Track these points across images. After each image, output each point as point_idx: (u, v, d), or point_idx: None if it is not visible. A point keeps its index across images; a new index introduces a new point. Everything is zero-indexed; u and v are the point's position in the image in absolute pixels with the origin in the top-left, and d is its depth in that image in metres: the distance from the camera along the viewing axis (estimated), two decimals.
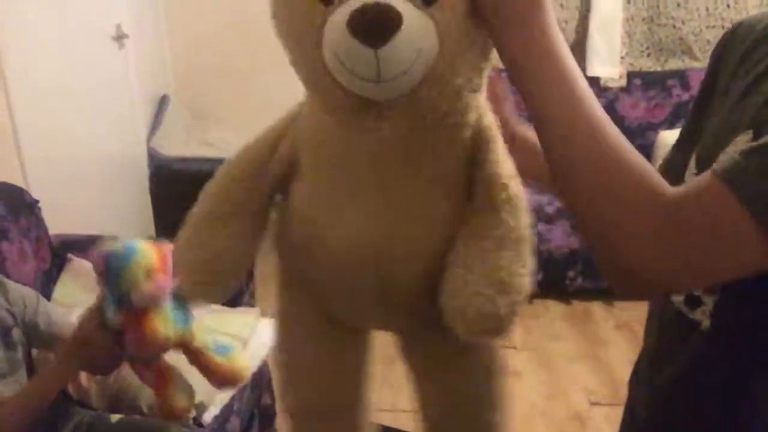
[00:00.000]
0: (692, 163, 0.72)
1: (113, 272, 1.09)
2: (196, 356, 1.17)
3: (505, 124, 0.86)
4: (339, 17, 0.67)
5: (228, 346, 1.22)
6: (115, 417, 1.42)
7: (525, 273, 0.79)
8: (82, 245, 1.85)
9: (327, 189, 0.87)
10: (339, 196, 0.85)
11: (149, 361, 1.19)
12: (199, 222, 0.93)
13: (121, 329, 1.11)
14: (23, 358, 1.32)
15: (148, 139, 3.09)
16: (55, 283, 1.76)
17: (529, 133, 0.88)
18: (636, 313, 2.81)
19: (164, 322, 1.10)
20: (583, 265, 2.80)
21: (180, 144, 3.26)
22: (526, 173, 0.86)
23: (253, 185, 0.93)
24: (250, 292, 1.92)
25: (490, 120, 0.84)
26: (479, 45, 0.73)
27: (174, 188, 3.06)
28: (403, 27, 0.65)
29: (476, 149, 0.82)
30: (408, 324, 0.96)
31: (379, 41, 0.65)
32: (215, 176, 0.96)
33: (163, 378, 1.21)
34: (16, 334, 1.30)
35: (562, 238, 2.78)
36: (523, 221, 0.81)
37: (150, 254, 1.10)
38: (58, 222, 1.88)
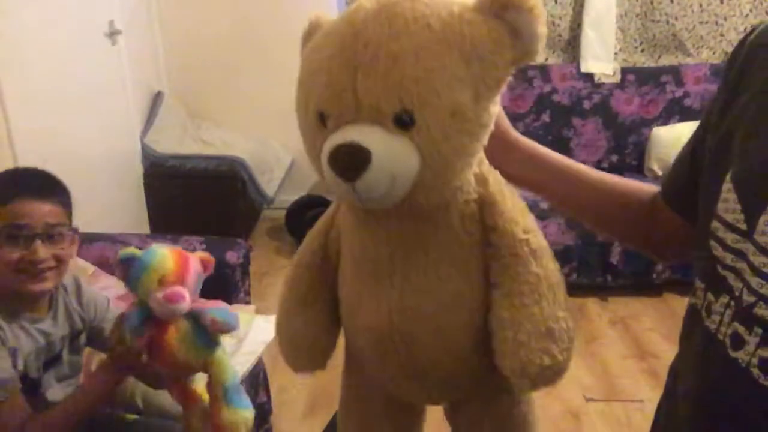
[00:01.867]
0: (727, 186, 0.66)
1: (132, 278, 1.08)
2: (210, 389, 1.14)
3: (502, 134, 0.87)
4: (326, 149, 0.75)
5: (242, 398, 1.16)
6: (130, 417, 1.42)
7: (567, 315, 0.84)
8: None
9: (354, 272, 0.93)
10: (363, 280, 0.91)
11: (176, 379, 1.17)
12: (285, 305, 1.01)
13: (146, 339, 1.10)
14: (83, 364, 1.34)
15: (142, 136, 3.09)
16: None
17: (523, 141, 0.90)
18: (630, 309, 2.83)
19: (183, 339, 1.08)
20: (577, 261, 2.81)
21: (174, 141, 3.25)
22: (522, 181, 0.90)
23: (319, 271, 0.99)
24: (246, 290, 1.92)
25: (494, 179, 0.87)
26: (467, 147, 0.77)
27: (168, 185, 3.07)
28: (372, 162, 0.72)
29: (486, 215, 0.86)
30: (448, 394, 1.00)
31: (352, 176, 0.73)
32: (292, 262, 1.03)
33: (187, 401, 1.18)
34: (83, 339, 1.31)
35: (556, 234, 2.79)
36: (551, 267, 0.85)
37: (167, 261, 1.07)
38: None
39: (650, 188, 0.88)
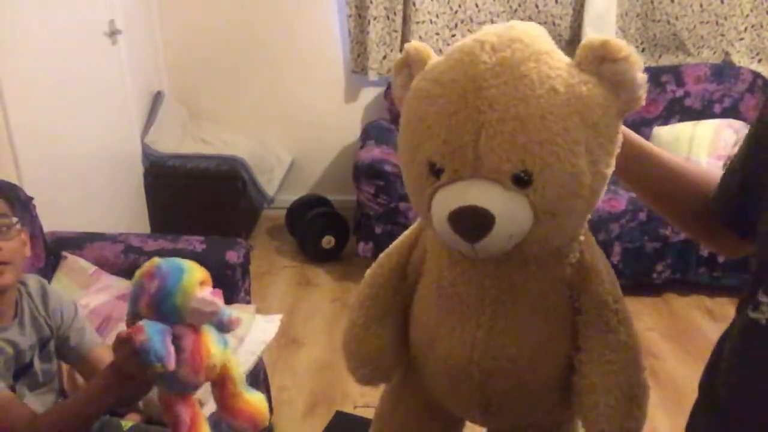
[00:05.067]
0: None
1: (170, 287, 1.00)
2: (226, 388, 1.10)
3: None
4: (443, 208, 0.77)
5: (253, 389, 1.15)
6: (127, 424, 1.40)
7: (645, 377, 0.90)
8: (76, 243, 1.85)
9: (436, 301, 0.96)
10: (448, 310, 0.94)
11: (190, 391, 1.08)
12: (360, 323, 1.03)
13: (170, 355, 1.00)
14: (56, 370, 1.30)
15: (143, 136, 3.09)
16: (49, 280, 1.75)
17: (638, 141, 0.87)
18: (630, 309, 2.82)
19: (215, 342, 1.06)
20: None
21: (174, 141, 3.26)
22: (623, 175, 0.87)
23: (395, 289, 1.02)
24: (246, 289, 1.92)
25: (593, 248, 0.92)
26: (579, 210, 0.79)
27: (168, 185, 3.07)
28: (495, 225, 0.74)
29: (580, 280, 0.90)
30: (508, 424, 1.05)
31: (475, 239, 0.76)
32: (365, 281, 1.05)
33: (194, 414, 1.10)
34: (53, 346, 1.27)
35: None
36: (634, 333, 0.91)
37: (197, 268, 1.05)
38: (53, 219, 1.87)
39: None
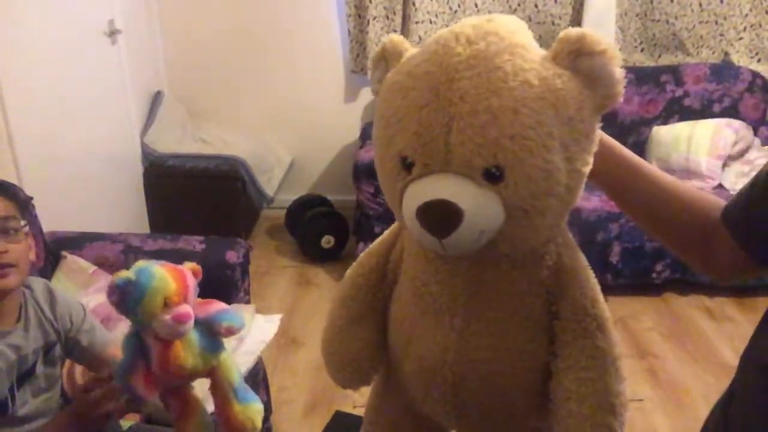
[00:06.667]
0: None
1: (130, 303, 1.01)
2: (217, 390, 1.11)
3: None
4: (412, 202, 0.75)
5: (250, 394, 1.14)
6: (126, 423, 1.39)
7: (624, 387, 0.86)
8: (76, 242, 1.85)
9: (412, 300, 0.94)
10: (422, 310, 0.92)
11: (176, 389, 1.12)
12: (340, 324, 1.02)
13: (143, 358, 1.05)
14: (60, 373, 1.30)
15: (142, 136, 3.09)
16: (49, 280, 1.75)
17: (614, 145, 0.85)
18: (630, 308, 2.82)
19: (190, 351, 1.04)
20: None
21: (174, 140, 3.25)
22: (593, 174, 0.83)
23: (376, 289, 1.00)
24: (246, 289, 1.92)
25: (571, 255, 0.88)
26: (553, 209, 0.76)
27: (168, 185, 3.07)
28: (464, 220, 0.72)
29: (556, 284, 0.87)
30: (483, 430, 1.01)
31: (442, 234, 0.73)
32: (345, 281, 1.03)
33: (185, 408, 1.14)
34: (58, 350, 1.26)
35: None
36: (614, 341, 0.87)
37: (167, 281, 1.02)
38: (52, 219, 1.87)
39: (718, 204, 0.83)
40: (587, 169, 0.77)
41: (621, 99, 0.75)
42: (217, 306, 1.11)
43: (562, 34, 0.73)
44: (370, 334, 1.00)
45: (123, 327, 1.55)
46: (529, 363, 0.89)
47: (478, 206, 0.72)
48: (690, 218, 0.83)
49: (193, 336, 1.05)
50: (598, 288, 0.88)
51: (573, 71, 0.73)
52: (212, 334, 1.08)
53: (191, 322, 1.03)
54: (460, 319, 0.88)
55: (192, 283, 1.08)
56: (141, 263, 1.05)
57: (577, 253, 0.89)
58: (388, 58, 0.83)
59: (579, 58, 0.72)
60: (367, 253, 1.01)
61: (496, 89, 0.70)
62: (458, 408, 0.93)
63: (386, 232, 1.01)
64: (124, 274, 1.02)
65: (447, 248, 0.75)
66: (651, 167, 0.86)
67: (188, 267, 1.10)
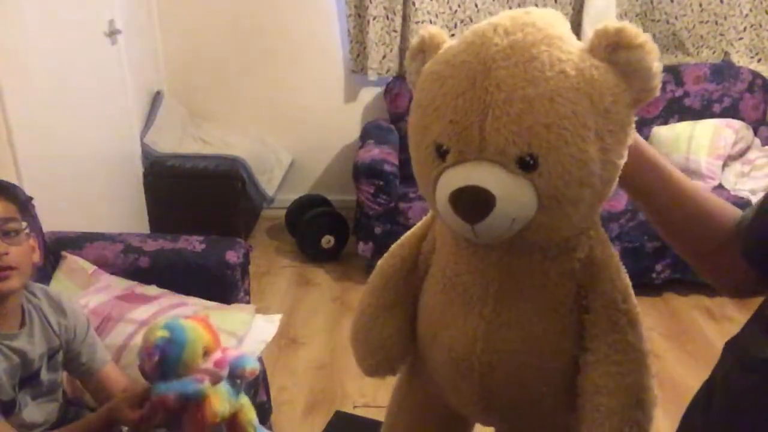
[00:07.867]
0: None
1: (172, 360, 1.04)
2: (237, 430, 1.13)
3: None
4: (445, 189, 0.76)
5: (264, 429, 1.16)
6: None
7: (654, 383, 0.87)
8: (76, 242, 1.85)
9: (442, 290, 0.94)
10: (451, 300, 0.93)
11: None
12: (370, 312, 1.03)
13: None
14: (61, 379, 1.31)
15: (142, 136, 3.09)
16: (49, 280, 1.75)
17: (643, 145, 0.84)
18: None
19: (222, 400, 1.07)
20: None
21: (174, 140, 3.25)
22: (624, 180, 0.83)
23: (406, 280, 1.01)
24: (246, 289, 1.92)
25: (603, 249, 0.88)
26: (586, 199, 0.77)
27: (168, 185, 3.07)
28: (496, 207, 0.73)
29: (587, 277, 0.87)
30: (509, 421, 1.02)
31: (475, 220, 0.74)
32: (376, 270, 1.04)
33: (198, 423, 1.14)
34: (60, 357, 1.27)
35: None
36: (644, 336, 0.87)
37: (200, 331, 1.06)
38: (52, 219, 1.87)
39: (736, 214, 0.83)
40: (621, 162, 0.77)
41: (658, 93, 0.75)
42: (232, 351, 1.14)
43: (600, 27, 0.74)
44: (400, 323, 1.01)
45: (123, 327, 1.55)
46: (558, 356, 0.90)
47: (511, 193, 0.73)
48: (705, 230, 0.83)
49: (224, 385, 1.08)
50: (629, 283, 0.90)
51: (610, 63, 0.73)
52: (232, 378, 1.10)
53: (227, 368, 1.07)
54: (490, 308, 0.88)
55: (216, 329, 1.11)
56: (163, 321, 1.08)
57: (609, 248, 0.89)
58: (425, 49, 0.84)
59: (616, 51, 0.73)
60: (399, 244, 1.02)
61: (532, 79, 0.71)
62: (485, 399, 0.94)
63: (419, 224, 1.02)
64: (159, 333, 1.05)
65: (479, 234, 0.76)
66: (678, 172, 0.85)
67: (201, 318, 1.13)
